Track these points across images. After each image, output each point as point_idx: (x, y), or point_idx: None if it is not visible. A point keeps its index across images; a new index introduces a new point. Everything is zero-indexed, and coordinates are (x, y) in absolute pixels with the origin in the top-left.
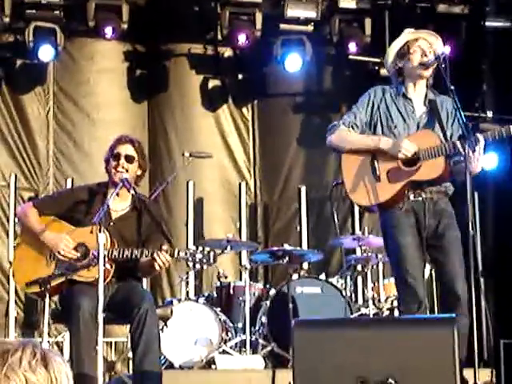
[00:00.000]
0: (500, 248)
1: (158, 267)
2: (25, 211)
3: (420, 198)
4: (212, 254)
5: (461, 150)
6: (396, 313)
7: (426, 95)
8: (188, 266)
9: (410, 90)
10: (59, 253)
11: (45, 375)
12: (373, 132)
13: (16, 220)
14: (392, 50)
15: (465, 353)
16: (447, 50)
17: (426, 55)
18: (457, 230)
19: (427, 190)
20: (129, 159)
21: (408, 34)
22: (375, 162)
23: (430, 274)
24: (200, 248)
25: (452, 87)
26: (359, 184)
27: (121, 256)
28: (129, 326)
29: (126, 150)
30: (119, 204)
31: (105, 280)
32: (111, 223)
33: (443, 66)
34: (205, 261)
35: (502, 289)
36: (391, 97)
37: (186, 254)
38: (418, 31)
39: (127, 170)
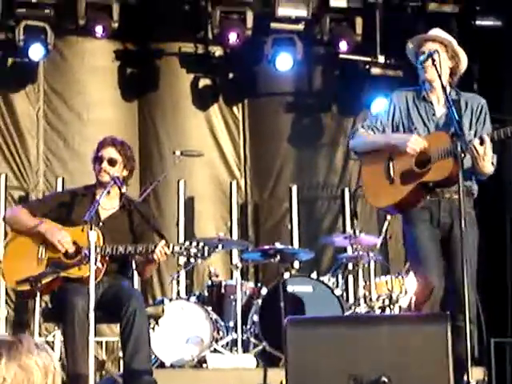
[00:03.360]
0: (491, 247)
1: (156, 257)
2: (16, 212)
3: (436, 198)
4: (206, 248)
5: (466, 149)
6: (387, 311)
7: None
8: (179, 265)
9: (429, 92)
10: (57, 242)
11: (48, 357)
12: None
13: (4, 223)
14: (408, 50)
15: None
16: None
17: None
18: (472, 234)
19: (444, 190)
20: (111, 162)
21: (423, 35)
22: (390, 164)
23: None
24: (194, 243)
25: (446, 84)
26: (375, 186)
27: (114, 252)
28: (119, 326)
29: (109, 153)
30: (108, 203)
31: (96, 278)
32: (100, 223)
33: (434, 63)
34: (199, 255)
35: (492, 287)
36: (413, 100)
37: (180, 248)
38: (433, 34)
39: (109, 174)
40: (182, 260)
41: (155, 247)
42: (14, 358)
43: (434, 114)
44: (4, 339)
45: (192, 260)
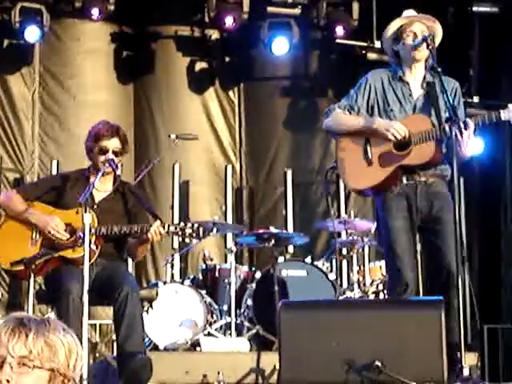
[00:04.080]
0: (484, 233)
1: (150, 236)
2: (9, 196)
3: (412, 182)
4: (201, 228)
5: (448, 134)
6: (381, 296)
7: (424, 77)
8: (173, 248)
9: (406, 72)
10: (49, 232)
11: (73, 340)
12: (370, 115)
13: None
14: (387, 34)
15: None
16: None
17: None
18: (451, 212)
19: (421, 173)
20: (116, 153)
21: (404, 17)
22: (368, 146)
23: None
24: (189, 223)
25: (439, 69)
26: (352, 168)
27: (109, 232)
28: (112, 308)
29: (114, 144)
30: (102, 187)
31: (90, 260)
32: (95, 206)
33: (430, 46)
34: (194, 235)
35: (485, 274)
36: (388, 80)
37: (175, 228)
38: (415, 15)
39: (117, 165)
40: (177, 243)
41: (150, 227)
42: (42, 334)
43: (410, 95)
44: (33, 317)
45: (187, 240)
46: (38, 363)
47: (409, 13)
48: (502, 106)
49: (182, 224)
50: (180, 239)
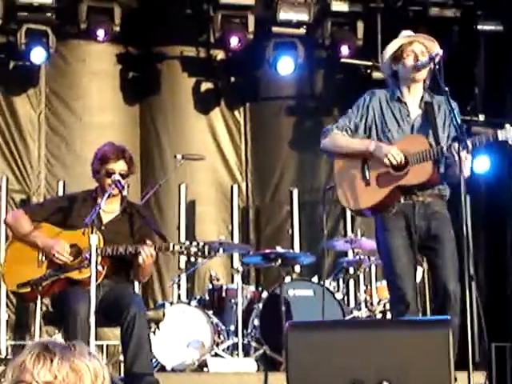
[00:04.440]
0: (491, 250)
1: (141, 260)
2: (16, 217)
3: (410, 201)
4: (206, 247)
5: (446, 154)
6: (389, 315)
7: (421, 98)
8: (180, 268)
9: (405, 93)
10: (54, 255)
11: (99, 365)
12: (368, 135)
13: (5, 226)
14: (387, 54)
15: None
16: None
17: (418, 59)
18: (450, 231)
19: (419, 193)
20: (123, 175)
21: (403, 37)
22: (365, 167)
23: (423, 277)
24: (194, 242)
25: (446, 88)
26: (350, 188)
27: (115, 253)
28: (119, 330)
29: (120, 166)
30: (109, 207)
31: (96, 281)
32: (102, 227)
33: (437, 67)
34: (199, 254)
35: (492, 291)
36: (386, 100)
37: (180, 247)
38: (414, 35)
39: (123, 186)
40: (183, 263)
41: (143, 248)
42: (67, 360)
43: (408, 115)
44: (57, 341)
45: (192, 259)
46: None
47: (407, 33)
48: (500, 126)
49: (187, 243)
50: (186, 258)
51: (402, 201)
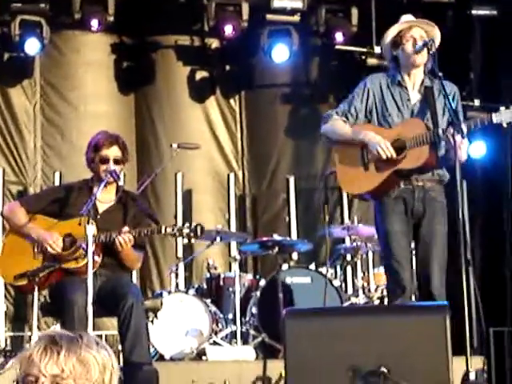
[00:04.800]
0: (488, 236)
1: (119, 246)
2: (12, 209)
3: (410, 186)
4: (199, 227)
5: (443, 138)
6: (386, 301)
7: (422, 82)
8: (178, 257)
9: (405, 77)
10: (46, 248)
11: (107, 355)
12: (369, 119)
13: (1, 218)
14: (386, 39)
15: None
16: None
17: (416, 44)
18: (443, 223)
19: (418, 178)
20: (117, 162)
21: (403, 23)
22: (364, 152)
23: None
24: (187, 223)
25: (440, 74)
26: (349, 173)
27: (108, 240)
28: (117, 320)
29: (114, 152)
30: (105, 197)
31: (92, 269)
32: (98, 216)
33: (431, 51)
34: (192, 234)
35: (490, 277)
36: (387, 85)
37: (172, 229)
38: (414, 20)
39: (118, 176)
40: (181, 252)
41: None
42: (74, 352)
43: (408, 100)
44: (65, 333)
45: (185, 240)
46: (72, 381)
47: (407, 18)
48: (495, 111)
49: (179, 225)
50: (183, 244)
51: (402, 186)
